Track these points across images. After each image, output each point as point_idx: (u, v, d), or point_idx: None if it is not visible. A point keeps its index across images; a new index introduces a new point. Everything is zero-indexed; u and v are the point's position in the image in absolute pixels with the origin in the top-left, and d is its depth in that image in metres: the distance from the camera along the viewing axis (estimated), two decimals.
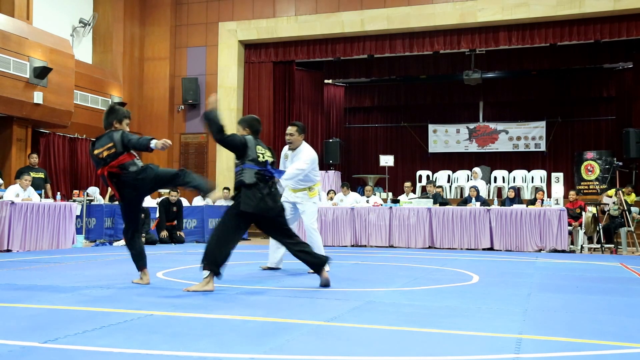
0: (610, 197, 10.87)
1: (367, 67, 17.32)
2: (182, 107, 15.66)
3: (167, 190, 11.57)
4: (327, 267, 5.18)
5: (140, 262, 5.18)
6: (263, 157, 4.92)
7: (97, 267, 6.71)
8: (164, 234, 11.03)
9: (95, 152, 4.96)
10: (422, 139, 19.74)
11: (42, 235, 9.32)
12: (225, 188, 13.56)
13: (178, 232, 11.27)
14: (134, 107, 15.38)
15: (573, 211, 10.79)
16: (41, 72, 11.51)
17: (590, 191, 15.16)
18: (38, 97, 11.49)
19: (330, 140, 16.77)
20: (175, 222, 11.36)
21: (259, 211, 4.79)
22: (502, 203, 11.67)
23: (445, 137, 19.41)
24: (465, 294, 4.82)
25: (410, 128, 20.02)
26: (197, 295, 4.54)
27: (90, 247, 10.41)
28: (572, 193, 11.39)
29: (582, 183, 15.63)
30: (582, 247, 10.54)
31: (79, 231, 10.77)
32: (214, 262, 4.72)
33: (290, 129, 6.34)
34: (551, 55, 15.77)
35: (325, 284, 5.04)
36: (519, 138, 18.74)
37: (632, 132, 14.00)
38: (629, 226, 10.36)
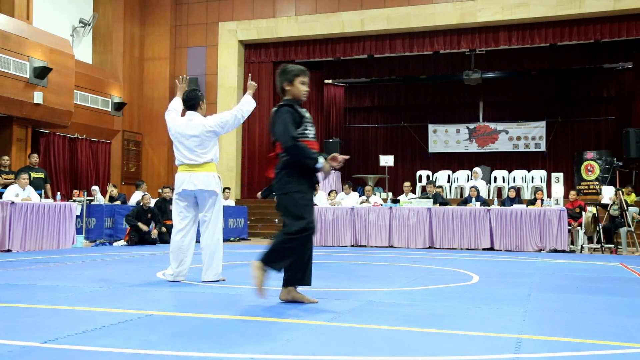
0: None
1: (367, 67, 17.33)
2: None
3: (165, 189, 11.55)
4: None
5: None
6: None
7: (97, 267, 6.71)
8: (163, 229, 10.96)
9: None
10: (422, 139, 19.74)
11: (42, 235, 9.32)
12: (226, 188, 13.56)
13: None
14: (134, 107, 15.40)
15: (573, 211, 10.79)
16: (41, 72, 11.51)
17: (590, 191, 15.16)
18: (38, 97, 11.49)
19: (330, 140, 16.78)
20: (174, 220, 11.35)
21: None
22: (502, 203, 11.67)
23: (445, 137, 19.41)
24: (465, 294, 4.82)
25: (410, 128, 20.03)
26: (197, 295, 4.55)
27: (90, 247, 10.41)
28: (572, 193, 11.39)
29: (582, 183, 15.62)
30: (582, 247, 10.54)
31: (79, 231, 10.77)
32: None
33: None
34: (551, 55, 15.78)
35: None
36: (519, 138, 18.75)
37: (632, 132, 14.00)
38: (629, 226, 10.35)
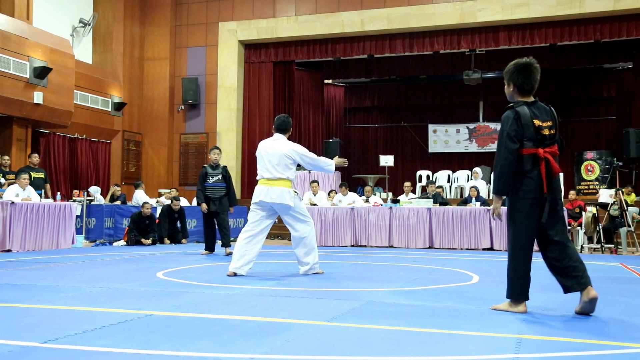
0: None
1: (367, 67, 17.32)
2: (182, 107, 15.66)
3: (167, 192, 11.53)
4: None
5: None
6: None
7: (97, 267, 6.71)
8: (167, 241, 11.03)
9: (542, 123, 4.07)
10: (422, 139, 19.74)
11: (42, 235, 9.32)
12: None
13: (182, 240, 11.29)
14: (134, 107, 15.40)
15: (572, 211, 10.79)
16: (41, 72, 11.51)
17: (590, 191, 15.15)
18: (38, 97, 11.49)
19: (330, 140, 16.78)
20: (177, 227, 11.42)
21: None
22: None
23: (445, 137, 19.41)
24: (465, 294, 4.82)
25: (410, 128, 20.03)
26: (197, 295, 4.55)
27: (90, 247, 10.41)
28: (572, 193, 11.39)
29: (582, 183, 15.62)
30: (582, 247, 10.54)
31: (78, 231, 10.77)
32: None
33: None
34: (551, 55, 15.77)
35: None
36: None
37: (632, 132, 14.00)
38: (629, 226, 10.35)
